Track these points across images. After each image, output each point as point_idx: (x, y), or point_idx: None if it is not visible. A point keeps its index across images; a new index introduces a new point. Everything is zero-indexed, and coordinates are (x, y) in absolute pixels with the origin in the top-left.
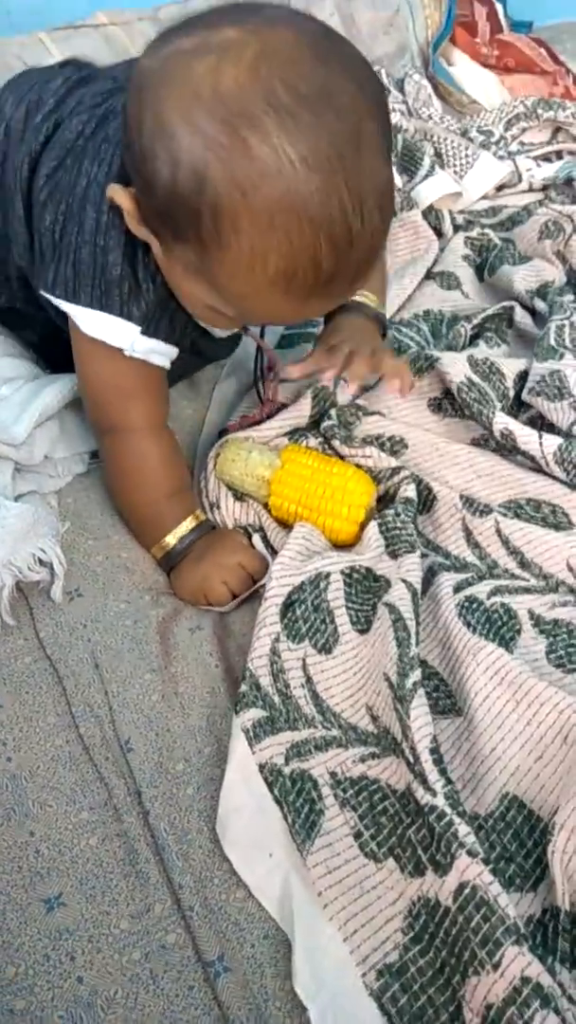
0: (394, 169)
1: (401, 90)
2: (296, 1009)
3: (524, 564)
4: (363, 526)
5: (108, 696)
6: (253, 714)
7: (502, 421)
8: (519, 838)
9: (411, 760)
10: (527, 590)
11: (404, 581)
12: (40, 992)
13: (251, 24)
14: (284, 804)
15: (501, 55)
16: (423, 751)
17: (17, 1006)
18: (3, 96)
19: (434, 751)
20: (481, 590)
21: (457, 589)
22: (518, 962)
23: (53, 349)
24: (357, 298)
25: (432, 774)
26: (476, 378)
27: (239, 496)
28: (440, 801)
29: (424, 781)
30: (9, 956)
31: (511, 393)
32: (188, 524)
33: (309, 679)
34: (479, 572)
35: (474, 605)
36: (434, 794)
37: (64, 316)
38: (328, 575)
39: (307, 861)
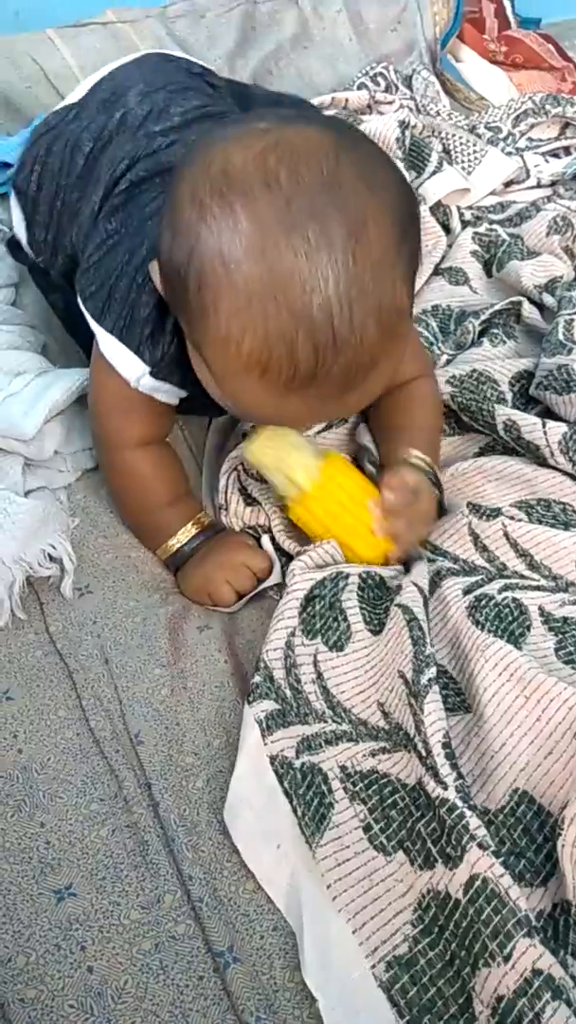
0: (402, 166)
1: (409, 87)
2: (305, 1000)
3: (533, 566)
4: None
5: (118, 690)
6: (266, 706)
7: (504, 413)
8: (529, 833)
9: (423, 754)
10: (538, 588)
11: (414, 584)
12: (50, 982)
13: (283, 121)
14: (294, 797)
15: (509, 51)
16: (435, 745)
17: (28, 995)
18: (132, 78)
19: (446, 745)
20: (492, 588)
21: (467, 591)
22: (529, 954)
23: (75, 320)
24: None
25: (444, 768)
26: (462, 392)
27: (249, 500)
28: (451, 794)
29: (436, 774)
30: (20, 946)
31: (508, 396)
32: (191, 529)
33: (320, 675)
34: (488, 574)
35: (483, 602)
36: (445, 787)
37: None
38: (348, 575)
39: (316, 854)
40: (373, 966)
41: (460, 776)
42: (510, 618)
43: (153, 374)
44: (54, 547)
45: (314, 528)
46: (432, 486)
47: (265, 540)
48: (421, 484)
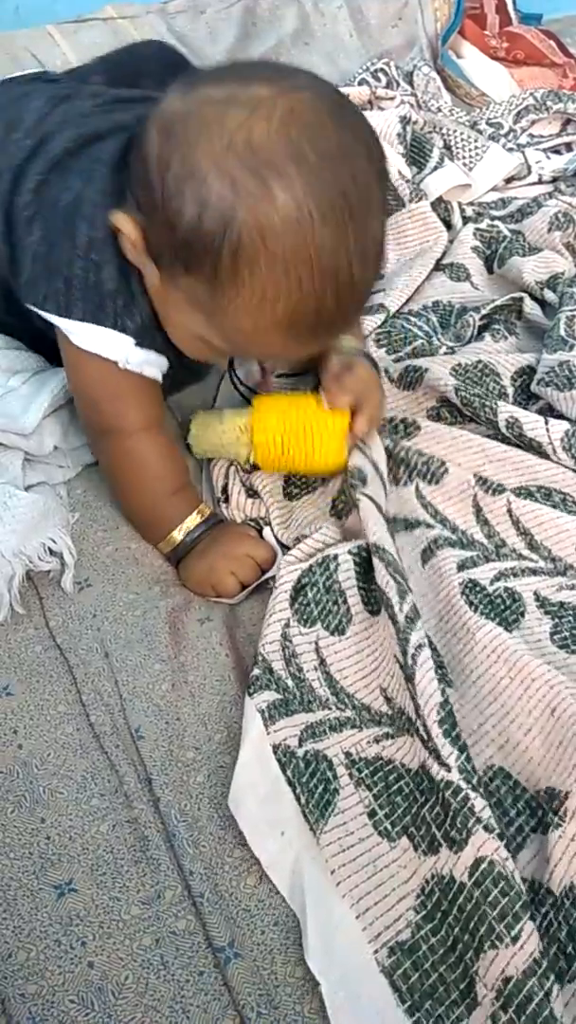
0: (403, 161)
1: (410, 83)
2: (306, 995)
3: (533, 546)
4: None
5: (118, 685)
6: (267, 696)
7: (506, 410)
8: (502, 806)
9: (424, 737)
10: (534, 572)
11: (374, 548)
12: (51, 977)
13: (278, 85)
14: (297, 785)
15: (510, 47)
16: (432, 725)
17: (29, 991)
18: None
19: (443, 722)
20: (485, 575)
21: (460, 567)
22: (536, 936)
23: (47, 349)
24: (349, 344)
25: (445, 748)
26: (466, 385)
27: (251, 492)
28: (455, 776)
29: (438, 757)
30: (20, 941)
31: (509, 391)
32: (194, 519)
33: (323, 661)
34: (485, 551)
35: (476, 588)
36: (448, 769)
37: (51, 326)
38: (336, 556)
39: (320, 840)
40: (376, 951)
41: (463, 751)
42: (502, 606)
43: (138, 344)
44: (54, 541)
45: (276, 440)
46: (364, 358)
47: (267, 532)
48: (350, 359)
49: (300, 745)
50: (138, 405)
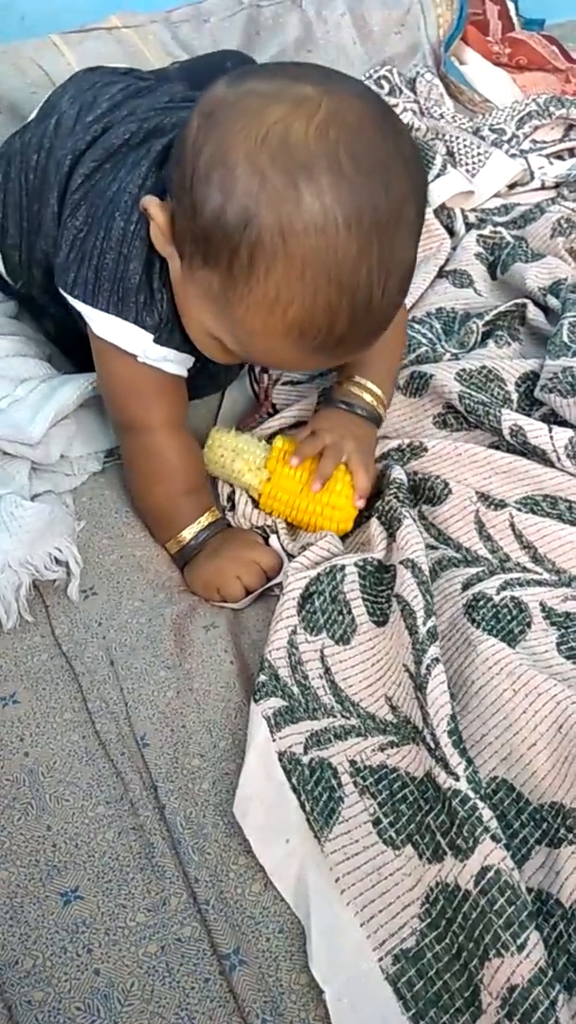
0: None
1: (413, 89)
2: (311, 1002)
3: (537, 559)
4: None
5: (123, 692)
6: (273, 703)
7: (510, 418)
8: (505, 818)
9: (432, 746)
10: (539, 583)
11: (406, 562)
12: (58, 984)
13: (326, 86)
14: (302, 792)
15: (513, 53)
16: (442, 735)
17: (35, 997)
18: (65, 89)
19: (453, 732)
20: (491, 586)
21: (466, 586)
22: (542, 946)
23: (68, 340)
24: (355, 390)
25: (453, 758)
26: (470, 391)
27: (256, 502)
28: (463, 785)
29: (446, 765)
30: (27, 948)
31: (514, 396)
32: (204, 520)
33: (327, 670)
34: (490, 567)
35: (482, 602)
36: (457, 778)
37: (79, 313)
38: (343, 567)
39: (325, 848)
40: (380, 959)
41: (470, 763)
42: (508, 617)
43: (156, 339)
44: (60, 550)
45: (286, 514)
46: (361, 419)
47: (274, 540)
48: (324, 434)
49: (305, 752)
50: (160, 402)
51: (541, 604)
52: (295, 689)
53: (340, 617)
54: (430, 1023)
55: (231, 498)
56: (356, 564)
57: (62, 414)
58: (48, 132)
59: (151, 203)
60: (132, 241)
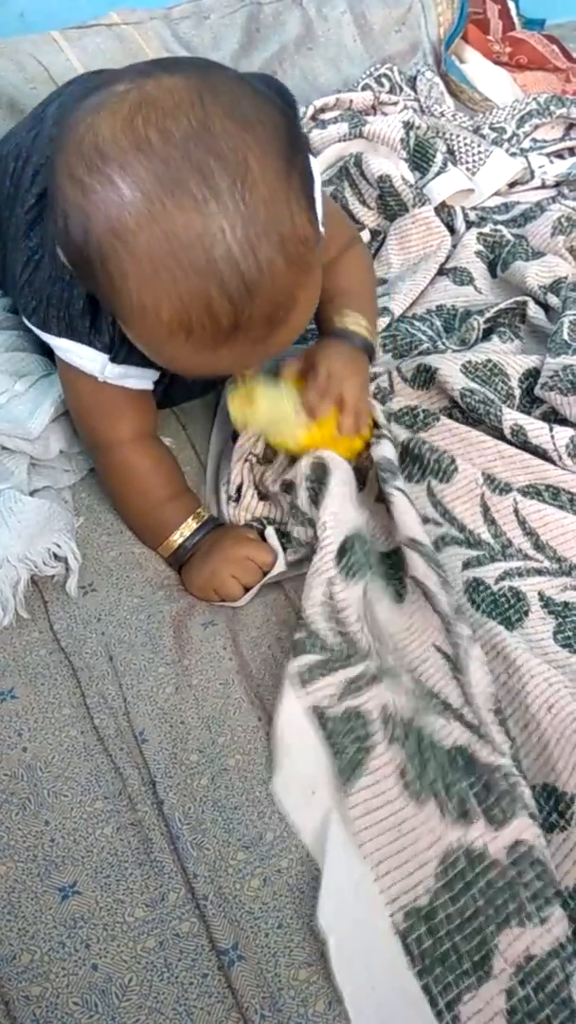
0: (407, 166)
1: (413, 88)
2: (310, 997)
3: (539, 546)
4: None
5: (122, 688)
6: (306, 660)
7: (511, 417)
8: None
9: (474, 723)
10: (539, 572)
11: (409, 542)
12: (55, 979)
13: (143, 77)
14: (332, 744)
15: (513, 52)
16: (487, 714)
17: (33, 992)
18: (59, 94)
19: (498, 712)
20: (490, 574)
21: (466, 566)
22: (564, 923)
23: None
24: (349, 326)
25: (499, 735)
26: (475, 385)
27: (263, 495)
28: (507, 762)
29: (491, 742)
30: (24, 943)
31: (516, 392)
32: (191, 524)
33: (363, 615)
34: (491, 552)
35: (481, 587)
36: (502, 754)
37: None
38: (367, 541)
39: (347, 801)
40: (392, 914)
41: (513, 742)
42: (506, 605)
43: (112, 359)
44: (59, 546)
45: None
46: (357, 349)
47: (269, 532)
48: (321, 358)
49: (340, 701)
50: (125, 417)
51: (540, 593)
52: (332, 639)
53: (370, 574)
54: (436, 981)
55: (239, 489)
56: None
57: (62, 409)
58: (27, 142)
59: (59, 253)
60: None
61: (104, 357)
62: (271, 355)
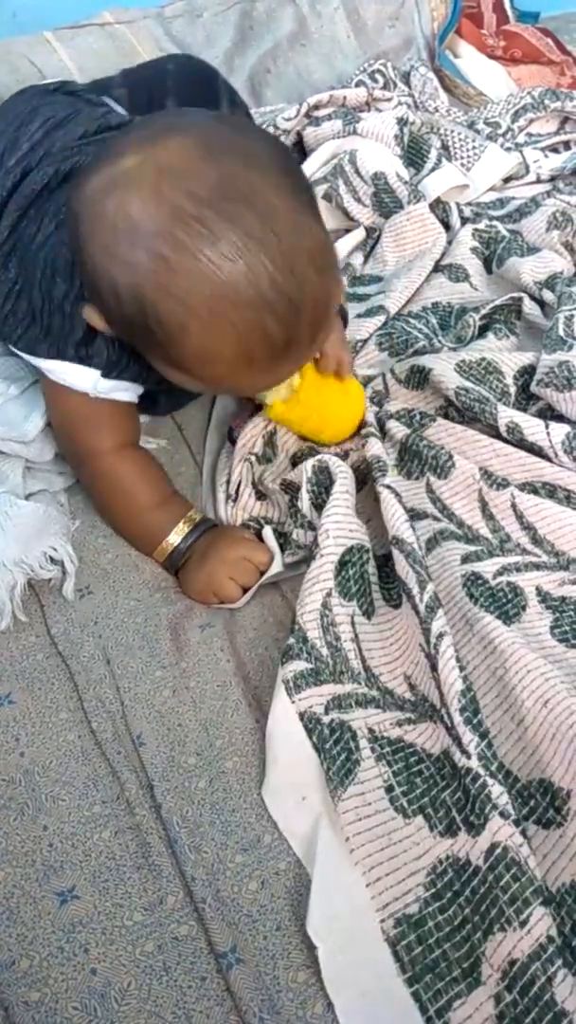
0: (401, 163)
1: (407, 83)
2: (309, 1000)
3: (537, 540)
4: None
5: (119, 692)
6: (296, 666)
7: (506, 414)
8: None
9: (449, 724)
10: (537, 566)
11: (394, 541)
12: (54, 984)
13: (146, 146)
14: (321, 751)
15: (508, 46)
16: (455, 712)
17: (32, 998)
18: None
19: (464, 709)
20: (488, 569)
21: (464, 560)
22: (544, 922)
23: None
24: None
25: (466, 735)
26: (469, 384)
27: (261, 494)
28: (474, 763)
29: (460, 743)
30: (23, 949)
31: (512, 390)
32: (183, 527)
33: (356, 636)
34: (490, 547)
35: (479, 582)
36: (468, 756)
37: None
38: (368, 551)
39: (338, 807)
40: (382, 920)
41: (484, 737)
42: (504, 600)
43: (105, 375)
44: (55, 549)
45: (296, 423)
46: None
47: (267, 531)
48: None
49: (326, 713)
50: (110, 428)
51: (537, 588)
52: (324, 651)
53: (366, 593)
54: (425, 987)
55: (238, 489)
56: (374, 553)
57: None
58: None
59: (90, 315)
60: (74, 303)
61: (96, 374)
62: (315, 353)
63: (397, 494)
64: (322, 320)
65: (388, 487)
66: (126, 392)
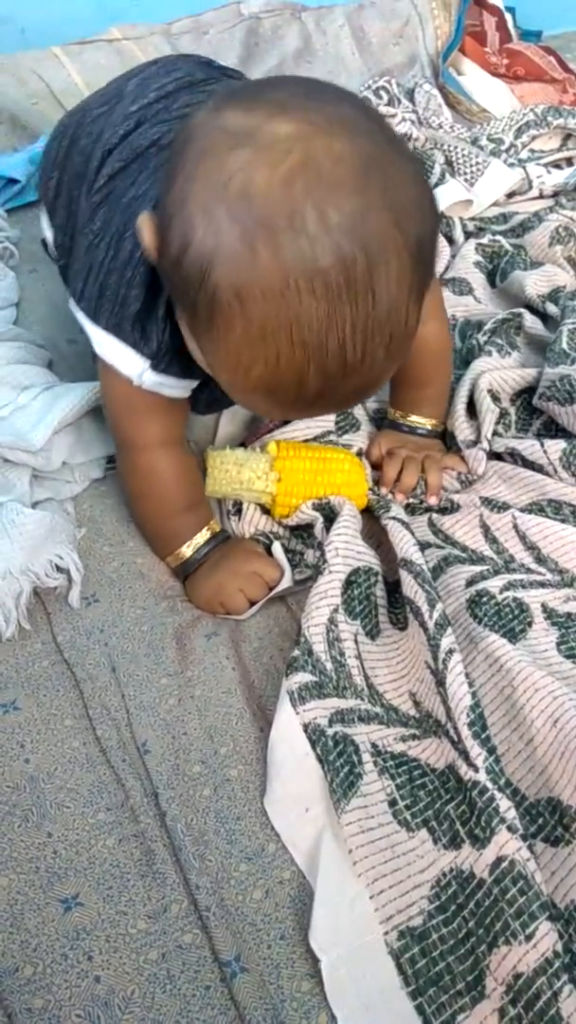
0: None
1: (411, 100)
2: (313, 1009)
3: (540, 559)
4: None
5: (125, 699)
6: (301, 678)
7: (501, 443)
8: None
9: (455, 739)
10: (542, 584)
11: (402, 563)
12: (58, 991)
13: (305, 126)
14: (325, 763)
15: (511, 64)
16: (463, 726)
17: (35, 1005)
18: (139, 69)
19: (473, 724)
20: (494, 584)
21: (470, 583)
22: (550, 936)
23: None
24: (411, 421)
25: (474, 749)
26: (466, 425)
27: (266, 509)
28: (482, 776)
29: (467, 757)
30: (27, 956)
31: (511, 410)
32: (203, 536)
33: (359, 655)
34: (495, 566)
35: (484, 599)
36: (476, 769)
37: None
38: (377, 573)
39: (342, 819)
40: (386, 933)
41: (492, 752)
42: (510, 616)
43: (153, 367)
44: (61, 558)
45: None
46: (423, 437)
47: (276, 547)
48: (400, 450)
49: (330, 725)
50: (156, 421)
51: (543, 605)
52: (328, 665)
53: (371, 615)
54: (429, 1001)
55: (239, 504)
56: (383, 576)
57: (65, 423)
58: (100, 116)
59: (145, 222)
60: (137, 267)
61: (145, 363)
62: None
63: (404, 523)
64: (361, 395)
65: (394, 519)
66: (172, 389)
